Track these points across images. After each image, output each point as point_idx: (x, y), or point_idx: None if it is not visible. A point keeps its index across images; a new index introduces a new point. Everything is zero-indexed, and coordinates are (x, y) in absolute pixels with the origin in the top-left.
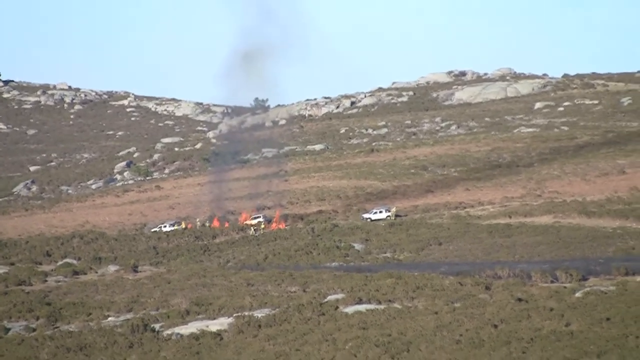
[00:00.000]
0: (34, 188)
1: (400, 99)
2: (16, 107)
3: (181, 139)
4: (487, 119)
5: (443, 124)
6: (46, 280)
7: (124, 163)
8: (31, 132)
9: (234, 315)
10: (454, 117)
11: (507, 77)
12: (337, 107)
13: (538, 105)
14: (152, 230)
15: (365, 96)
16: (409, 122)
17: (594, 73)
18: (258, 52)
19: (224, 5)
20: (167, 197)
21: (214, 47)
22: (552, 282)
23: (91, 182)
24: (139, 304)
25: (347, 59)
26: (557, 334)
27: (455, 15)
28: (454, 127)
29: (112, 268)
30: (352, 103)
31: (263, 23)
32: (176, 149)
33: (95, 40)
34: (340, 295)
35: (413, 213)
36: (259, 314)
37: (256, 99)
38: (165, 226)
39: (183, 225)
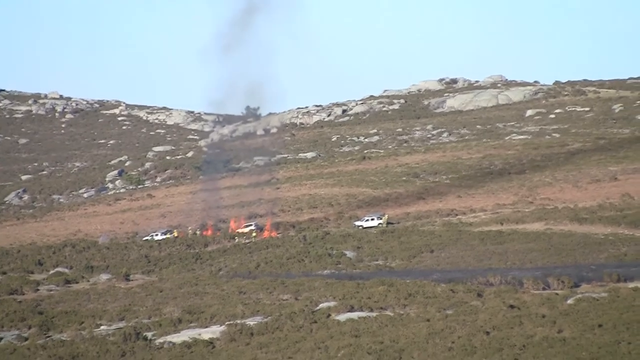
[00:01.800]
0: (26, 197)
1: (391, 107)
2: (7, 116)
3: (172, 147)
4: (478, 126)
5: (435, 132)
6: (38, 289)
7: (115, 172)
8: (23, 141)
9: (226, 323)
10: (445, 124)
11: (499, 85)
12: (329, 115)
13: (529, 112)
14: (144, 238)
15: (356, 104)
16: (400, 129)
17: (585, 80)
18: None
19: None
20: (158, 206)
21: (206, 55)
22: (544, 289)
23: (83, 190)
24: (131, 313)
25: (338, 67)
26: (549, 340)
27: (446, 22)
28: (445, 134)
29: (104, 277)
30: (344, 111)
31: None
32: (168, 157)
33: (87, 49)
34: (332, 303)
35: (405, 220)
36: (251, 322)
37: (247, 107)
38: (157, 235)
39: (175, 234)
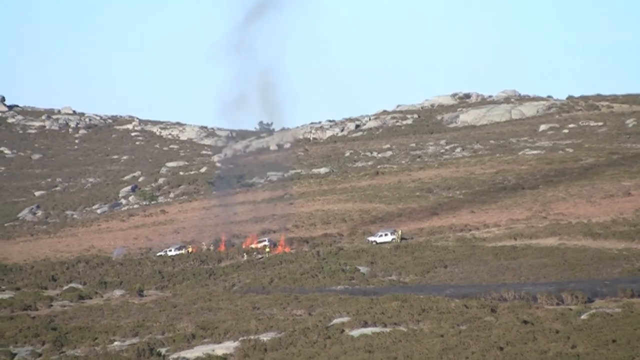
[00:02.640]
0: (39, 213)
1: (404, 122)
2: (21, 132)
3: (186, 163)
4: (491, 141)
5: (448, 147)
6: (52, 305)
7: (129, 187)
8: (36, 156)
9: (240, 339)
10: (458, 139)
11: (512, 100)
12: (342, 130)
13: (543, 127)
14: (158, 254)
15: (369, 119)
16: (413, 144)
17: (598, 95)
18: (263, 74)
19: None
20: (172, 221)
21: (219, 72)
22: (557, 304)
23: (96, 206)
24: (145, 328)
25: (351, 82)
26: (563, 356)
27: (460, 37)
28: (458, 149)
29: (117, 292)
30: (357, 126)
31: (267, 47)
32: (181, 173)
33: (100, 64)
34: (346, 319)
35: (418, 236)
36: (264, 337)
37: (261, 122)
38: (170, 250)
39: (189, 249)
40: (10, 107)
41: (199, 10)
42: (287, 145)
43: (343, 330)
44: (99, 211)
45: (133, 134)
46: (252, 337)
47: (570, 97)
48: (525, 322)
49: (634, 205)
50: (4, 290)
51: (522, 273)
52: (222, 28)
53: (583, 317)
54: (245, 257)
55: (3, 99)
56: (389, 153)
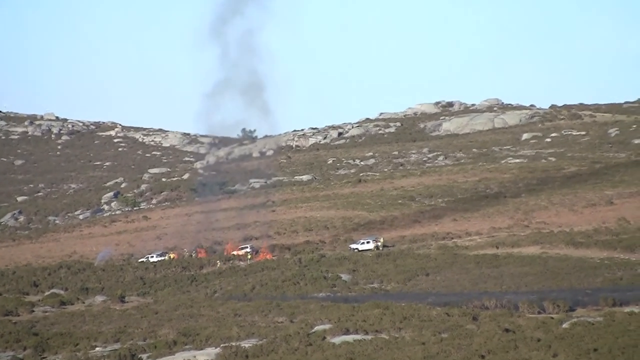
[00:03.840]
0: (21, 218)
1: (387, 130)
2: (3, 137)
3: (168, 169)
4: (474, 149)
5: (430, 155)
6: (33, 311)
7: (111, 193)
8: (18, 162)
9: (221, 345)
10: (441, 147)
11: (495, 108)
12: (325, 138)
13: (525, 136)
14: (140, 260)
15: (352, 127)
16: (396, 152)
17: (581, 104)
18: (243, 83)
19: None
20: (154, 228)
21: (201, 78)
22: (539, 312)
23: (78, 212)
24: (126, 335)
25: (334, 89)
26: None
27: (443, 46)
28: (441, 157)
29: (99, 298)
30: (340, 134)
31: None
32: (163, 179)
33: (83, 70)
34: (327, 326)
35: (400, 243)
36: (246, 344)
37: (243, 129)
38: (152, 256)
39: (170, 256)
40: None
41: (183, 16)
42: (270, 153)
43: (325, 338)
44: (81, 217)
45: (116, 140)
46: (233, 343)
47: (553, 106)
48: (506, 330)
49: (616, 214)
50: None
51: (503, 281)
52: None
53: (564, 325)
54: (219, 264)
55: None
56: (372, 161)
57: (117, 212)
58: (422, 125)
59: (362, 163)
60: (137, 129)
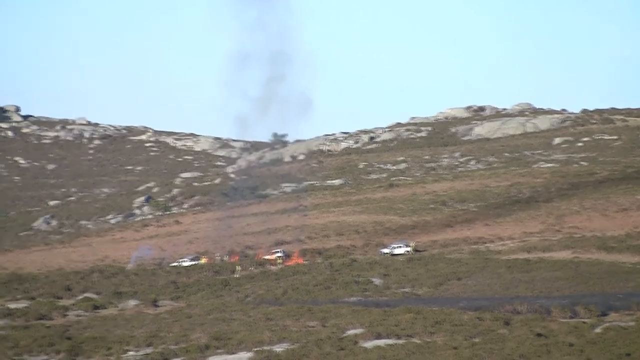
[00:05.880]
0: (54, 223)
1: (419, 134)
2: (35, 142)
3: (200, 173)
4: (506, 154)
5: (462, 159)
6: (66, 315)
7: (143, 198)
8: (50, 166)
9: (253, 349)
10: (473, 152)
11: (526, 113)
12: (356, 142)
13: (557, 140)
14: (171, 265)
15: (384, 131)
16: (427, 157)
17: (613, 108)
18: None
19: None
20: (186, 232)
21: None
22: (571, 317)
23: (110, 216)
24: (159, 339)
25: (365, 94)
26: None
27: (474, 50)
28: (473, 162)
29: (132, 302)
30: (371, 138)
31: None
32: (195, 183)
33: (115, 75)
34: (359, 330)
35: (432, 248)
36: (278, 348)
37: (275, 134)
38: (184, 261)
39: (202, 260)
40: (25, 117)
41: (215, 22)
42: (301, 157)
43: (356, 342)
44: (113, 221)
45: (147, 144)
46: (265, 348)
47: (584, 111)
48: (539, 335)
49: None
50: (18, 300)
51: (535, 286)
52: (236, 38)
53: (597, 330)
54: (238, 269)
55: (18, 109)
56: (403, 165)
57: (149, 217)
58: (453, 130)
59: (393, 167)
60: (168, 134)
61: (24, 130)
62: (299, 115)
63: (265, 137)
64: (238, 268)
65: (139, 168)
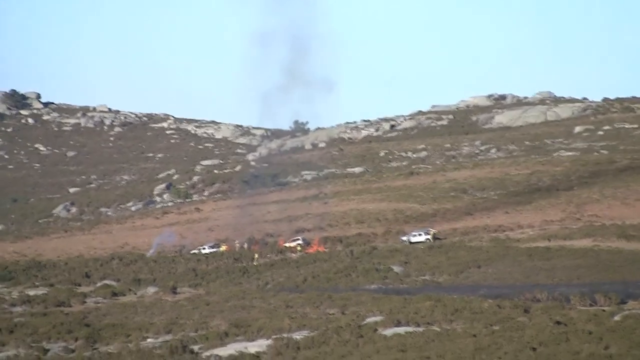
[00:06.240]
0: (74, 210)
1: (439, 122)
2: (56, 129)
3: (220, 161)
4: (527, 142)
5: (483, 148)
6: (85, 302)
7: (163, 185)
8: (71, 154)
9: (273, 337)
10: (493, 140)
11: (547, 101)
12: (377, 131)
13: (578, 129)
14: (191, 252)
15: (404, 119)
16: (448, 145)
17: (634, 97)
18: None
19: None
20: (206, 220)
21: (254, 71)
22: (590, 305)
23: (130, 204)
24: (178, 326)
25: (386, 82)
26: (595, 357)
27: (495, 38)
28: (493, 150)
29: (151, 289)
30: (392, 126)
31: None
32: (215, 171)
33: (135, 62)
34: (378, 318)
35: (452, 236)
36: (297, 336)
37: (296, 121)
38: (204, 248)
39: (222, 248)
40: (46, 105)
41: (236, 9)
42: (322, 145)
43: (376, 330)
44: (133, 208)
45: (168, 132)
46: (285, 335)
47: (605, 99)
48: (558, 322)
49: None
50: (37, 287)
51: (555, 274)
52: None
53: (616, 318)
54: (256, 257)
55: (39, 96)
56: (424, 153)
57: (169, 204)
58: (474, 118)
59: (414, 155)
60: (189, 121)
61: (45, 118)
62: (322, 97)
63: (287, 123)
64: (256, 256)
65: (160, 155)
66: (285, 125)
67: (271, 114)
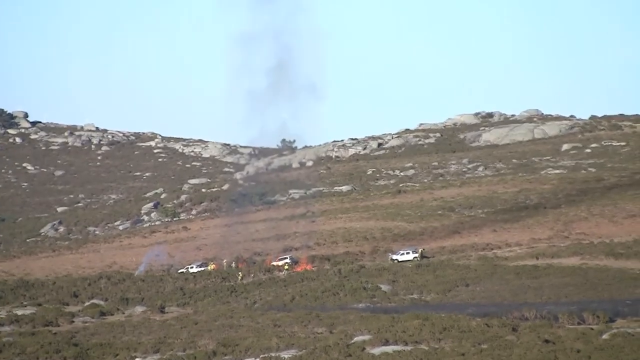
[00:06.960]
0: (61, 229)
1: (427, 140)
2: (43, 148)
3: (208, 180)
4: (514, 160)
5: (470, 166)
6: (73, 321)
7: (151, 204)
8: (58, 173)
9: (261, 356)
10: (481, 158)
11: (535, 119)
12: (364, 149)
13: (565, 146)
14: (179, 271)
15: (392, 137)
16: (436, 163)
17: (621, 114)
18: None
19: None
20: (194, 238)
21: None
22: (579, 323)
23: (118, 223)
24: (166, 345)
25: (373, 101)
26: None
27: (482, 56)
28: (481, 168)
29: (139, 309)
30: (379, 144)
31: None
32: (203, 190)
33: (123, 81)
34: (367, 337)
35: (440, 254)
36: (285, 355)
37: (283, 140)
38: (192, 267)
39: (210, 267)
40: (34, 124)
41: (225, 18)
42: (309, 163)
43: (364, 349)
44: (121, 227)
45: (155, 150)
46: (273, 354)
47: (593, 117)
48: (546, 341)
49: None
50: (25, 306)
51: (543, 292)
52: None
53: (604, 336)
54: (241, 275)
55: (26, 115)
56: (411, 171)
57: (157, 223)
58: (461, 136)
59: (401, 174)
60: (177, 140)
61: (32, 137)
62: (309, 106)
63: (273, 137)
64: (240, 274)
65: (147, 174)
66: (273, 142)
67: (258, 120)
